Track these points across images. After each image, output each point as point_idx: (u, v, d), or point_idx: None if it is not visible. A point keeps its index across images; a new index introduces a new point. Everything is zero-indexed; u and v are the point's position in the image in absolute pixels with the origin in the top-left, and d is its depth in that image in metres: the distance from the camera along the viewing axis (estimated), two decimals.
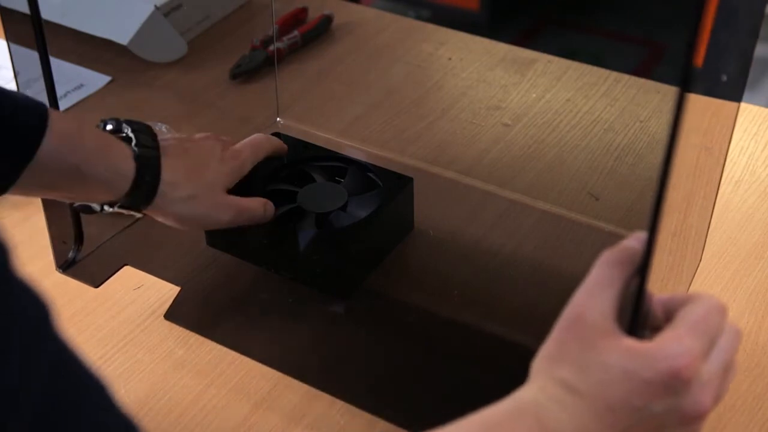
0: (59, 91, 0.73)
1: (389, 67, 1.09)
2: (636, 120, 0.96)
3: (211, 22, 1.12)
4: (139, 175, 0.66)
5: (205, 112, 1.00)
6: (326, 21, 1.13)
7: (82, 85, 1.01)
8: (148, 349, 0.73)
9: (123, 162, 0.65)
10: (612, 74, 1.03)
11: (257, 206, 0.74)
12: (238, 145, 0.77)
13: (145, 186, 0.66)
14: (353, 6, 1.26)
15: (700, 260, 0.80)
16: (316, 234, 0.76)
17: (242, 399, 0.69)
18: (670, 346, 0.45)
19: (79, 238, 0.81)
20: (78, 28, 1.05)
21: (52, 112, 0.61)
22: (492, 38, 1.11)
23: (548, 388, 0.47)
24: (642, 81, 1.03)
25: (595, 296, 0.48)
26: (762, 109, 0.99)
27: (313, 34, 1.11)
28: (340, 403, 0.69)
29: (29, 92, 0.71)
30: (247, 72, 1.04)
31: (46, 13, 0.71)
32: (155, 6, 1.04)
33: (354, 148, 0.93)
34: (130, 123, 0.68)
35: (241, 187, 0.75)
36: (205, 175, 0.71)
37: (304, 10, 1.14)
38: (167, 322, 0.76)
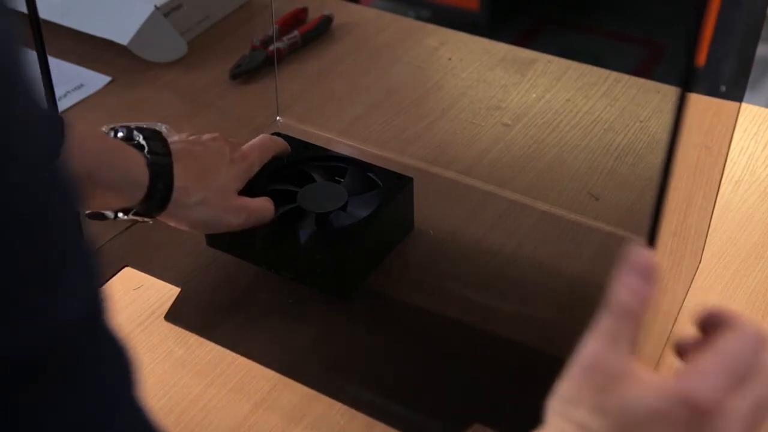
0: (59, 91, 0.73)
1: (389, 67, 1.09)
2: (636, 120, 0.96)
3: (211, 22, 1.12)
4: (152, 183, 0.66)
5: (205, 112, 1.00)
6: (326, 21, 1.13)
7: (82, 85, 1.01)
8: (148, 349, 0.73)
9: (136, 170, 0.66)
10: (612, 74, 1.03)
11: (267, 206, 0.75)
12: (245, 147, 0.77)
13: (158, 193, 0.67)
14: (353, 6, 1.26)
15: (700, 260, 0.80)
16: (316, 234, 0.76)
17: (242, 399, 0.69)
18: (696, 381, 0.42)
19: None
20: (78, 28, 1.05)
21: (65, 121, 0.61)
22: (492, 38, 1.11)
23: (567, 430, 0.46)
24: (642, 81, 1.03)
25: (609, 346, 0.46)
26: (762, 109, 0.99)
27: (313, 34, 1.10)
28: (340, 404, 0.69)
29: None
30: (247, 72, 1.04)
31: (45, 13, 0.71)
32: (155, 6, 1.04)
33: (354, 148, 0.93)
34: (141, 130, 0.69)
35: (242, 187, 0.75)
36: (215, 179, 0.71)
37: (304, 10, 1.14)
38: (167, 323, 0.76)
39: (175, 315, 0.76)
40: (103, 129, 0.71)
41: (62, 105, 0.97)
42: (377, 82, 1.07)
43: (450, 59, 1.07)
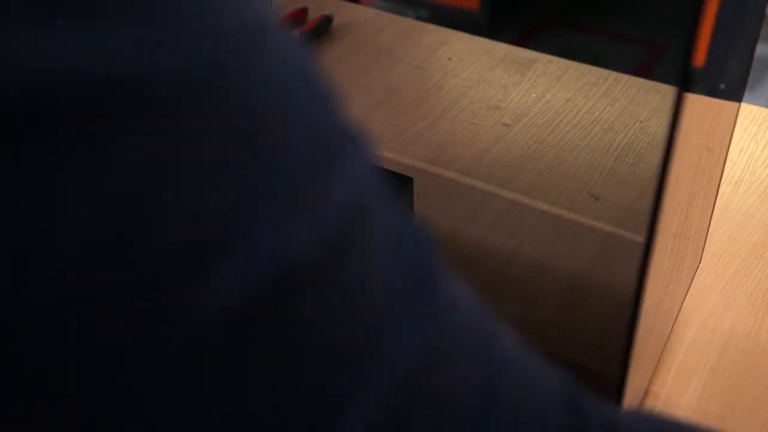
0: None
1: (389, 67, 1.09)
2: (636, 120, 0.96)
3: None
4: None
5: None
6: (326, 21, 1.12)
7: None
8: None
9: None
10: (612, 74, 1.02)
11: None
12: None
13: None
14: (353, 6, 1.26)
15: (700, 260, 0.80)
16: None
17: None
18: None
19: None
20: None
21: None
22: (492, 38, 1.11)
23: None
24: (642, 81, 1.02)
25: None
26: (762, 109, 0.99)
27: (313, 34, 1.10)
28: None
29: None
30: None
31: None
32: None
33: None
34: None
35: None
36: None
37: (304, 11, 1.14)
38: None
39: None
40: None
41: None
42: (377, 82, 1.07)
43: (450, 59, 1.07)
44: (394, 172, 0.82)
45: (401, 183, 0.81)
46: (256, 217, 0.24)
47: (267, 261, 0.24)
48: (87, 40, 0.21)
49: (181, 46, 0.23)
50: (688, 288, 0.78)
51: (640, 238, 0.48)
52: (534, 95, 1.01)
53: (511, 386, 0.31)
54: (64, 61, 0.21)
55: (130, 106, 0.22)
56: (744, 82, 0.72)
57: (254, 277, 0.24)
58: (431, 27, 1.20)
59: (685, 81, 0.40)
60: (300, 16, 1.14)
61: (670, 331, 0.74)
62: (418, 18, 1.70)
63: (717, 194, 0.77)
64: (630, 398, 0.59)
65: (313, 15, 1.14)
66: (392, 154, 0.92)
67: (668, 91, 1.01)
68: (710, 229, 0.80)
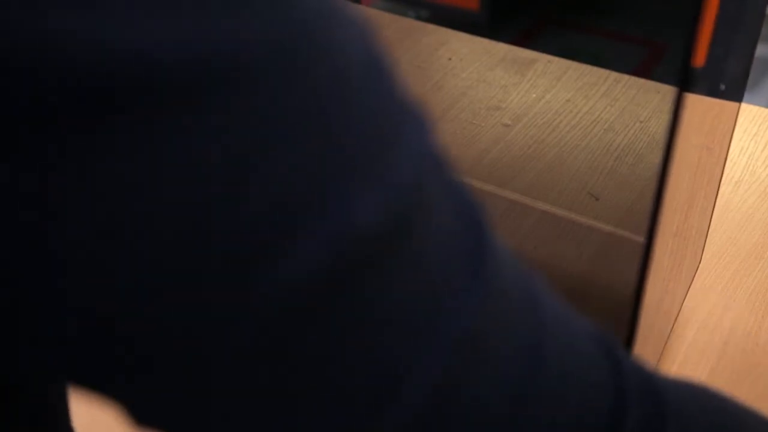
0: None
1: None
2: (636, 120, 0.96)
3: None
4: None
5: None
6: None
7: None
8: None
9: None
10: (612, 74, 1.03)
11: None
12: None
13: None
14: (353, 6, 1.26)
15: (700, 260, 0.80)
16: None
17: None
18: None
19: None
20: None
21: None
22: (492, 38, 1.11)
23: None
24: (642, 81, 1.03)
25: None
26: (762, 109, 0.99)
27: None
28: None
29: None
30: None
31: None
32: None
33: None
34: None
35: None
36: None
37: None
38: None
39: None
40: None
41: None
42: None
43: (450, 59, 1.07)
44: None
45: None
46: (331, 190, 0.25)
47: (343, 230, 0.25)
48: (184, 23, 0.22)
49: (261, 28, 0.24)
50: (688, 288, 0.78)
51: (640, 238, 0.48)
52: (534, 95, 1.01)
53: (556, 348, 0.32)
54: (168, 43, 0.22)
55: (218, 84, 0.23)
56: (744, 82, 0.72)
57: (331, 247, 0.25)
58: (431, 27, 1.21)
59: (685, 81, 0.40)
60: None
61: (670, 331, 0.74)
62: (418, 18, 1.70)
63: (717, 194, 0.77)
64: None
65: None
66: None
67: (668, 91, 1.01)
68: (710, 229, 0.80)
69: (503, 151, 0.94)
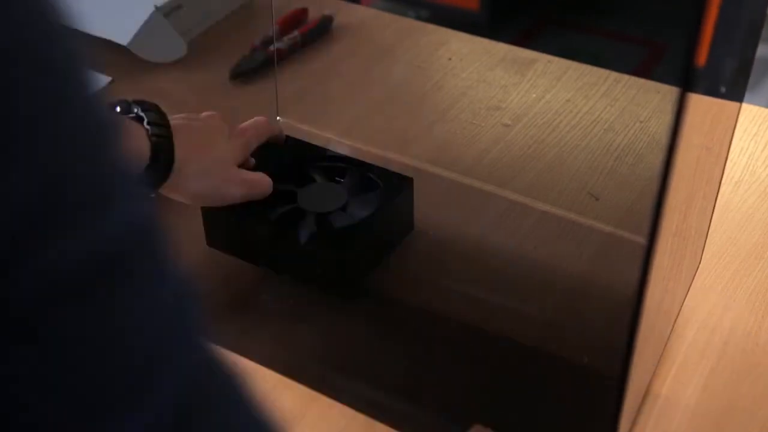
0: None
1: (389, 68, 1.09)
2: (636, 120, 0.96)
3: (211, 22, 1.12)
4: (153, 153, 0.66)
5: (204, 112, 1.00)
6: (326, 21, 1.13)
7: None
8: None
9: (137, 141, 0.66)
10: (612, 74, 1.03)
11: (266, 180, 0.76)
12: (242, 125, 0.79)
13: (160, 163, 0.67)
14: (353, 6, 1.26)
15: (700, 260, 0.80)
16: (316, 234, 0.76)
17: None
18: None
19: None
20: (78, 28, 1.05)
21: None
22: (492, 38, 1.11)
23: None
24: (642, 81, 1.03)
25: None
26: (762, 109, 0.99)
27: (313, 34, 1.10)
28: (340, 404, 0.69)
29: None
30: (247, 72, 1.04)
31: None
32: (155, 6, 1.04)
33: (354, 148, 0.93)
34: (138, 103, 0.69)
35: (241, 163, 0.76)
36: (215, 151, 0.72)
37: (304, 11, 1.14)
38: None
39: None
40: None
41: None
42: (377, 82, 1.07)
43: (450, 59, 1.08)
44: (394, 172, 0.82)
45: (401, 183, 0.81)
46: (35, 235, 0.27)
47: (38, 277, 0.27)
48: None
49: None
50: (688, 288, 0.78)
51: (640, 239, 0.48)
52: (534, 95, 1.01)
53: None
54: None
55: None
56: (744, 83, 0.72)
57: (28, 293, 0.27)
58: (431, 27, 1.21)
59: (688, 81, 0.40)
60: (300, 16, 1.14)
61: (670, 331, 0.74)
62: (418, 18, 1.70)
63: (717, 194, 0.77)
64: (630, 398, 0.59)
65: (313, 15, 1.15)
66: (392, 154, 0.93)
67: (668, 91, 1.01)
68: (710, 229, 0.80)
69: (503, 151, 0.94)
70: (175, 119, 0.71)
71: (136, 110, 0.69)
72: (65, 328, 0.28)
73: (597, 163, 0.91)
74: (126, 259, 0.30)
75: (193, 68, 1.06)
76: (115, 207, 0.30)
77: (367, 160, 0.83)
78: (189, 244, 0.82)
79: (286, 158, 0.84)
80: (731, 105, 0.69)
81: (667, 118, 0.41)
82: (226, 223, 0.80)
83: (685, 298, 0.77)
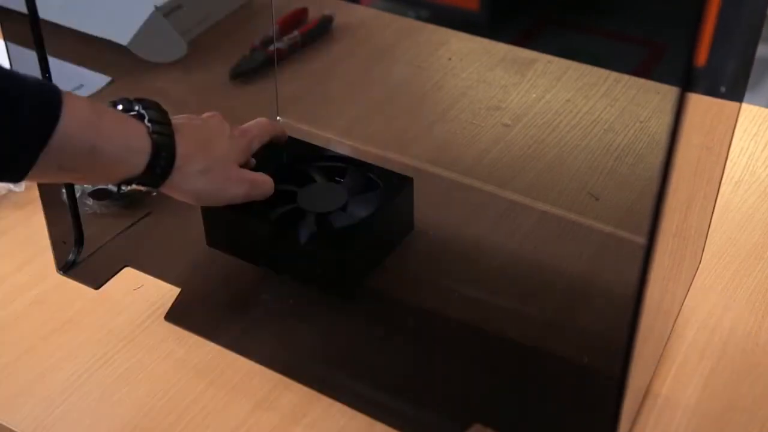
0: None
1: (389, 68, 1.09)
2: (636, 120, 0.96)
3: (211, 22, 1.12)
4: (155, 151, 0.66)
5: (205, 112, 1.00)
6: (326, 21, 1.13)
7: (82, 86, 1.01)
8: (148, 349, 0.73)
9: (139, 138, 0.66)
10: (612, 74, 1.03)
11: (268, 180, 0.76)
12: (244, 125, 0.79)
13: (161, 161, 0.67)
14: (353, 6, 1.26)
15: (700, 260, 0.80)
16: (316, 234, 0.76)
17: (242, 399, 0.69)
18: None
19: (80, 240, 0.81)
20: (78, 28, 1.05)
21: (65, 94, 0.61)
22: (492, 38, 1.11)
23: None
24: (642, 81, 1.03)
25: None
26: (762, 109, 0.99)
27: (313, 34, 1.10)
28: (339, 404, 0.69)
29: None
30: (247, 72, 1.04)
31: (45, 13, 0.71)
32: (155, 6, 1.04)
33: (354, 148, 0.93)
34: (139, 101, 0.69)
35: (243, 163, 0.76)
36: (216, 150, 0.72)
37: (304, 11, 1.14)
38: (167, 323, 0.76)
39: (176, 315, 0.76)
40: None
41: None
42: (377, 82, 1.07)
43: (450, 59, 1.08)
44: (394, 172, 0.82)
45: (401, 183, 0.81)
46: None
47: None
48: None
49: None
50: (688, 288, 0.78)
51: (640, 239, 0.48)
52: (534, 95, 1.01)
53: None
54: None
55: None
56: (745, 83, 0.72)
57: None
58: (431, 27, 1.21)
59: (688, 81, 0.40)
60: (300, 16, 1.14)
61: (670, 331, 0.74)
62: (418, 18, 1.70)
63: (717, 194, 0.77)
64: (630, 398, 0.59)
65: (313, 15, 1.15)
66: (392, 154, 0.93)
67: (668, 91, 1.01)
68: (710, 229, 0.80)
69: (503, 151, 0.94)
70: (175, 119, 0.71)
71: (137, 108, 0.69)
72: None
73: (597, 163, 0.91)
74: None
75: (193, 68, 1.06)
76: None
77: (367, 160, 0.83)
78: (189, 244, 0.82)
79: (286, 158, 0.84)
80: (731, 105, 0.69)
81: (667, 118, 0.41)
82: (226, 223, 0.80)
83: (685, 298, 0.77)
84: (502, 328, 0.74)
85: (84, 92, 1.01)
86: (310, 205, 0.78)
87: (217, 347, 0.73)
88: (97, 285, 0.79)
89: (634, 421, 0.67)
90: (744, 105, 0.77)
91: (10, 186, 0.87)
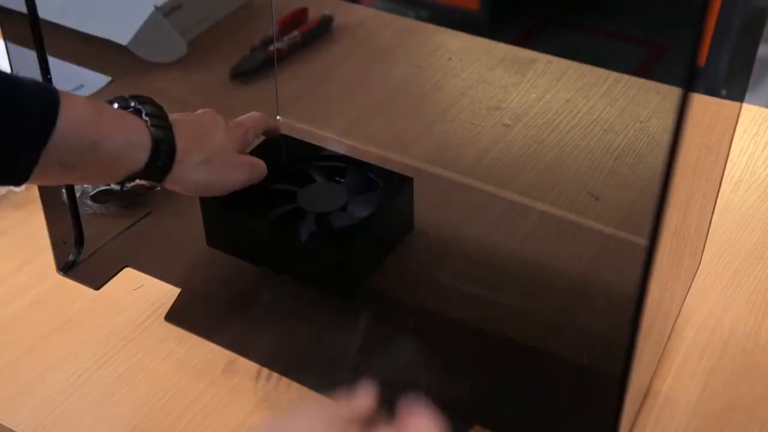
0: None
1: (389, 68, 1.09)
2: (636, 120, 0.96)
3: (211, 22, 1.12)
4: (155, 144, 0.67)
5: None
6: (326, 21, 1.13)
7: (82, 86, 1.01)
8: (148, 349, 0.73)
9: (138, 133, 0.67)
10: (612, 74, 1.03)
11: (262, 162, 0.77)
12: (238, 119, 0.80)
13: (162, 154, 0.67)
14: (353, 6, 1.26)
15: (700, 260, 0.80)
16: (316, 234, 0.76)
17: (242, 399, 0.69)
18: None
19: (80, 240, 0.81)
20: (78, 28, 1.05)
21: (63, 93, 0.62)
22: (492, 38, 1.11)
23: None
24: (642, 81, 1.03)
25: None
26: (762, 109, 0.99)
27: (313, 34, 1.10)
28: None
29: None
30: (247, 72, 1.04)
31: (45, 13, 0.71)
32: (155, 6, 1.04)
33: (354, 148, 0.93)
34: (134, 97, 0.70)
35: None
36: (213, 142, 0.73)
37: (304, 11, 1.14)
38: (167, 323, 0.76)
39: (176, 315, 0.76)
40: None
41: None
42: (377, 82, 1.07)
43: (450, 59, 1.08)
44: (394, 172, 0.82)
45: (401, 183, 0.81)
46: None
47: None
48: None
49: None
50: (688, 288, 0.78)
51: (640, 239, 0.48)
52: (534, 95, 1.01)
53: None
54: None
55: None
56: (745, 83, 0.72)
57: None
58: (431, 27, 1.21)
59: (691, 81, 0.40)
60: (300, 16, 1.14)
61: (670, 331, 0.74)
62: (418, 18, 1.70)
63: (717, 194, 0.77)
64: (631, 398, 0.59)
65: (313, 15, 1.15)
66: (392, 154, 0.93)
67: (668, 91, 1.01)
68: (710, 229, 0.80)
69: (503, 151, 0.94)
70: (171, 116, 0.72)
71: (133, 104, 0.69)
72: None
73: (597, 163, 0.91)
74: None
75: (193, 68, 1.06)
76: None
77: (367, 160, 0.83)
78: (189, 244, 0.82)
79: (286, 158, 0.84)
80: (731, 105, 0.69)
81: (667, 118, 0.41)
82: (226, 223, 0.80)
83: (685, 298, 0.77)
84: (502, 328, 0.74)
85: (84, 92, 1.01)
86: (310, 205, 0.78)
87: (217, 347, 0.73)
88: (97, 285, 0.79)
89: (634, 421, 0.67)
90: (744, 105, 0.77)
91: (10, 186, 0.87)
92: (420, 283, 0.79)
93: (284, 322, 0.76)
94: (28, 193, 0.88)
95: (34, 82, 0.61)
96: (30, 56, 0.71)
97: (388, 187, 0.80)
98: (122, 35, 1.03)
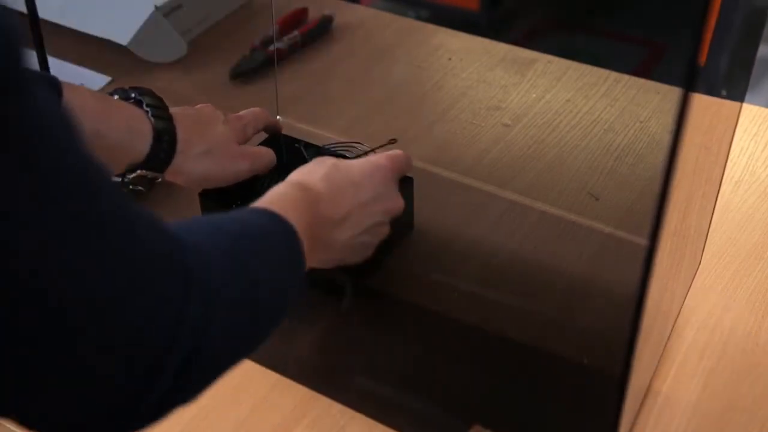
0: None
1: (389, 68, 1.09)
2: (636, 120, 0.96)
3: (211, 22, 1.12)
4: (157, 134, 0.67)
5: None
6: (326, 21, 1.13)
7: (82, 85, 1.01)
8: None
9: (140, 122, 0.67)
10: (612, 74, 1.03)
11: (270, 152, 0.77)
12: (238, 113, 0.80)
13: (164, 144, 0.68)
14: (353, 6, 1.26)
15: (700, 260, 0.80)
16: None
17: (242, 399, 0.69)
18: None
19: None
20: (78, 28, 1.05)
21: (65, 84, 0.62)
22: (492, 38, 1.11)
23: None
24: (642, 81, 1.03)
25: None
26: (762, 109, 0.99)
27: (313, 34, 1.10)
28: (340, 404, 0.69)
29: None
30: (247, 72, 1.04)
31: (45, 13, 0.71)
32: (155, 6, 1.04)
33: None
34: (134, 89, 0.70)
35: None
36: (214, 134, 0.73)
37: (304, 11, 1.14)
38: None
39: None
40: None
41: None
42: (377, 82, 1.07)
43: (450, 59, 1.08)
44: None
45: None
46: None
47: None
48: None
49: None
50: (688, 288, 0.78)
51: (640, 239, 0.48)
52: (534, 95, 1.01)
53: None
54: None
55: None
56: (745, 83, 0.72)
57: None
58: (431, 27, 1.21)
59: (691, 81, 0.40)
60: (300, 16, 1.14)
61: (670, 331, 0.74)
62: (418, 18, 1.70)
63: (717, 194, 0.77)
64: (631, 398, 0.59)
65: (313, 15, 1.15)
66: None
67: (668, 91, 1.01)
68: (710, 229, 0.80)
69: (503, 151, 0.94)
70: (170, 109, 0.72)
71: (133, 95, 0.69)
72: None
73: (597, 163, 0.91)
74: None
75: (193, 68, 1.06)
76: None
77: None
78: None
79: (285, 158, 0.84)
80: (731, 105, 0.69)
81: (667, 118, 0.41)
82: None
83: (685, 298, 0.77)
84: (502, 328, 0.74)
85: None
86: None
87: None
88: None
89: (634, 421, 0.67)
90: (744, 105, 0.77)
91: None
92: (420, 283, 0.79)
93: (284, 322, 0.76)
94: None
95: (37, 72, 0.61)
96: (30, 56, 0.71)
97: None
98: (122, 35, 1.03)
